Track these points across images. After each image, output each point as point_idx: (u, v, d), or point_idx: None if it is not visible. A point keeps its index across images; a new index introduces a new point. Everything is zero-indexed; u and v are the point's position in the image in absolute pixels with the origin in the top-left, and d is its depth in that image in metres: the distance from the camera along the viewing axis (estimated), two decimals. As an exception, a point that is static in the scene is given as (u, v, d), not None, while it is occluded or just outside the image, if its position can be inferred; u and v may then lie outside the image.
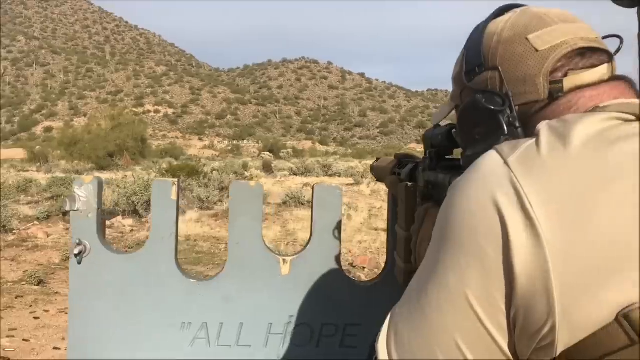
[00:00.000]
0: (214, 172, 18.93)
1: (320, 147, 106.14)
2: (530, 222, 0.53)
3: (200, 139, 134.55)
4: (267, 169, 26.62)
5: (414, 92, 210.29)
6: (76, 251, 1.47)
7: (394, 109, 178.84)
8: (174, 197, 1.52)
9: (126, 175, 16.55)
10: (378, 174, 1.52)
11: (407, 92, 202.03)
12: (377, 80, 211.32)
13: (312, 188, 1.53)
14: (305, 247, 1.56)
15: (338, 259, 1.54)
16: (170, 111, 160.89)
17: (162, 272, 1.52)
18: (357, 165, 30.18)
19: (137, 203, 10.36)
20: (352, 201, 13.38)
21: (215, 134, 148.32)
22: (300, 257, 1.54)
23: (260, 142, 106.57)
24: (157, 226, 1.52)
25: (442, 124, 1.03)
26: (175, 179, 1.56)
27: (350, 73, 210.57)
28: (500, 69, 0.75)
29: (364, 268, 6.61)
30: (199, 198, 11.94)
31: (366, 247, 7.96)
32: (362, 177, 20.25)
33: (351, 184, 19.33)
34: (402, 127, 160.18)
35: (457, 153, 0.95)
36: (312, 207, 1.53)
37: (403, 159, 1.35)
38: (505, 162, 0.58)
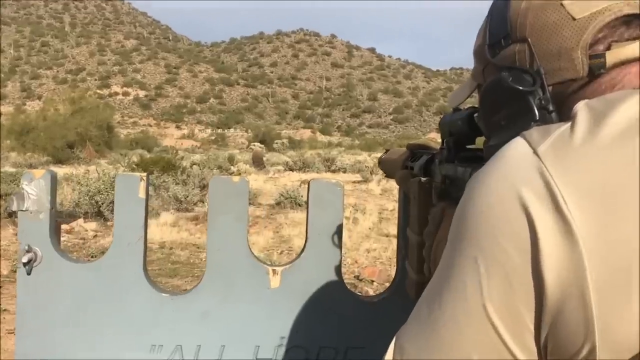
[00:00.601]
0: (194, 166, 18.92)
1: (321, 137, 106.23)
2: (564, 221, 0.53)
3: (177, 127, 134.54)
4: (258, 163, 26.62)
5: (434, 72, 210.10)
6: (25, 259, 1.47)
7: (410, 92, 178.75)
8: (142, 194, 1.52)
9: (89, 170, 16.52)
10: (387, 168, 1.52)
11: (426, 71, 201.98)
12: (390, 57, 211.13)
13: (308, 185, 1.54)
14: (299, 255, 1.56)
15: (338, 269, 1.55)
16: (141, 93, 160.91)
17: (128, 284, 1.52)
18: (366, 159, 30.18)
19: (102, 203, 10.36)
20: (360, 202, 13.37)
21: (195, 121, 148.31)
22: (293, 266, 1.55)
23: (249, 130, 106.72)
24: (122, 230, 1.52)
25: (463, 107, 1.03)
26: (145, 174, 1.56)
27: (357, 48, 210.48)
28: (530, 41, 0.74)
29: (373, 281, 6.61)
30: (175, 198, 11.95)
31: (375, 257, 7.97)
32: (371, 173, 20.25)
33: (358, 182, 19.32)
34: (419, 113, 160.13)
35: (480, 142, 0.95)
36: (307, 207, 1.53)
37: (416, 150, 1.35)
38: (535, 152, 0.58)
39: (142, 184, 1.52)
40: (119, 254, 1.52)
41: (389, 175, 1.53)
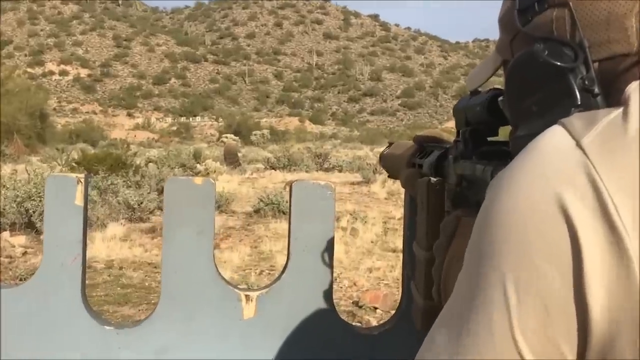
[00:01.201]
0: (151, 164, 18.92)
1: (311, 127, 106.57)
2: (614, 233, 0.53)
3: (129, 115, 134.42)
4: (232, 160, 26.64)
5: (453, 44, 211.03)
6: None
7: (422, 70, 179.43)
8: (79, 201, 1.51)
9: (16, 170, 16.50)
10: (390, 165, 1.52)
11: (443, 43, 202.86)
12: (397, 25, 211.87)
13: (289, 187, 1.54)
14: (278, 277, 1.56)
15: (329, 294, 1.55)
16: (83, 72, 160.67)
17: (63, 314, 1.52)
18: (368, 155, 30.29)
19: (34, 212, 10.32)
20: (360, 208, 13.40)
21: (152, 108, 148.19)
22: (271, 291, 1.54)
23: (220, 119, 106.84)
24: (54, 246, 1.51)
25: (484, 89, 1.03)
26: (84, 175, 1.55)
27: (356, 15, 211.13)
28: (571, 5, 0.74)
29: (376, 309, 6.62)
30: (127, 204, 11.92)
31: (379, 278, 7.98)
32: (374, 172, 20.30)
33: (358, 183, 19.37)
34: (434, 96, 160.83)
35: (505, 133, 0.95)
36: (289, 215, 1.53)
37: (426, 144, 1.36)
38: (578, 144, 0.58)
39: (80, 188, 1.51)
40: (50, 277, 1.52)
41: (392, 174, 1.53)
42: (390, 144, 1.63)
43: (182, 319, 1.53)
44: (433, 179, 1.12)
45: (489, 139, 1.05)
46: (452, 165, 1.13)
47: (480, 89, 1.04)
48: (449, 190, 1.12)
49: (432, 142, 1.35)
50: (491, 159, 0.98)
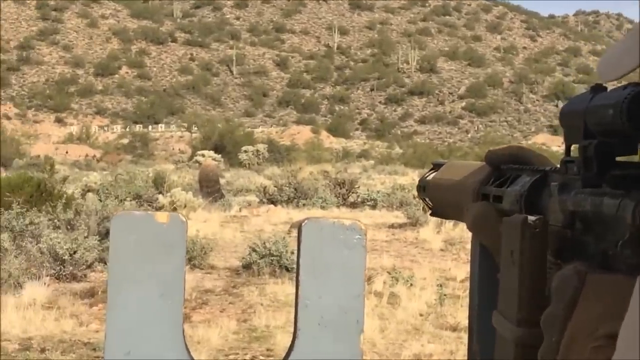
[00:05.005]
0: (89, 195, 18.97)
1: (331, 141, 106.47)
2: None
3: (59, 121, 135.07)
4: (211, 189, 26.70)
5: (545, 19, 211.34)
6: None
7: (499, 57, 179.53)
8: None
9: None
10: (443, 197, 1.52)
11: (530, 17, 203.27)
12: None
13: (298, 230, 1.53)
14: (281, 364, 1.55)
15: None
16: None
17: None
18: (415, 183, 30.20)
19: None
20: (403, 264, 13.39)
21: (93, 110, 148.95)
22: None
23: (195, 128, 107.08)
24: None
25: (616, 83, 1.02)
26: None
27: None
28: None
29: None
30: (53, 254, 11.94)
31: (433, 370, 7.96)
32: (425, 209, 20.33)
33: (401, 226, 19.39)
34: (516, 96, 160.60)
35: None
36: (297, 272, 1.52)
37: (507, 166, 1.36)
38: None
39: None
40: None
41: (443, 211, 1.53)
42: (437, 165, 1.65)
43: None
44: (532, 218, 1.11)
45: (618, 159, 1.03)
46: (557, 197, 1.13)
47: (608, 85, 1.03)
48: (553, 235, 1.11)
49: (515, 162, 1.35)
50: (629, 188, 0.97)
